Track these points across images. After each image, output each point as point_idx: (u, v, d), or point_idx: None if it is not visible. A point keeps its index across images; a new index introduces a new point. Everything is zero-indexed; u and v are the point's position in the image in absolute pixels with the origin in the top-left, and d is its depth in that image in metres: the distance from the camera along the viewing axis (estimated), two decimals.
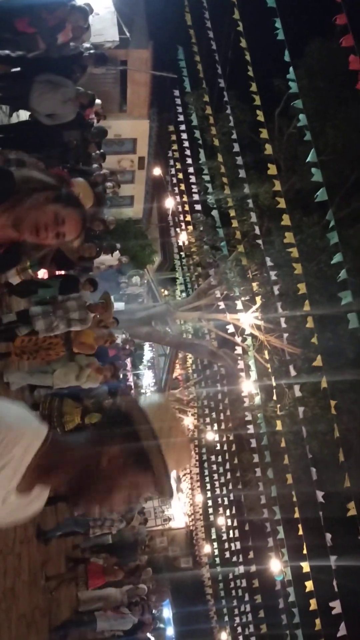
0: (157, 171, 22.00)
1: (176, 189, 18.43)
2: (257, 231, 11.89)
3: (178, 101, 15.65)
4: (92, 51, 6.35)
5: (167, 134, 18.06)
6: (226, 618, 20.34)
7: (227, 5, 10.59)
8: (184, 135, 15.74)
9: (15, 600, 5.89)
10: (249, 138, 14.20)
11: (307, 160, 8.29)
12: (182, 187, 17.22)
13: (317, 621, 10.66)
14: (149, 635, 11.31)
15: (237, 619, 18.44)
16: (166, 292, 25.32)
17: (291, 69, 8.61)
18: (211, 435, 18.58)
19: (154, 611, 11.44)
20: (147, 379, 27.52)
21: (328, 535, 9.93)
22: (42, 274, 6.99)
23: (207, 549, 22.19)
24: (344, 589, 10.34)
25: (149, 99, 19.23)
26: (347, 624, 9.82)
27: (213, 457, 18.78)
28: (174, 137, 16.91)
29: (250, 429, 13.07)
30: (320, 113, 13.89)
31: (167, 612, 24.12)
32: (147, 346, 24.57)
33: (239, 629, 18.52)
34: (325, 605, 10.15)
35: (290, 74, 8.54)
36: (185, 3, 12.46)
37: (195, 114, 14.83)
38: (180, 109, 15.66)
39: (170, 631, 24.22)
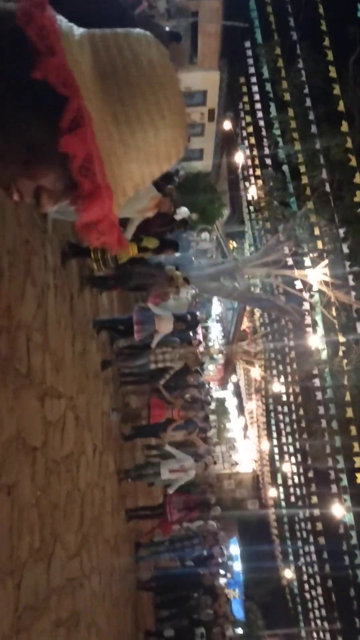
0: (227, 124, 21.80)
1: (246, 142, 18.33)
2: (327, 188, 11.90)
3: (249, 52, 15.42)
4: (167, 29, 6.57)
5: (238, 85, 17.83)
6: (291, 557, 21.42)
7: None
8: (255, 88, 15.58)
9: (101, 527, 6.80)
10: (322, 89, 13.89)
11: None
12: (252, 140, 17.13)
13: None
14: (217, 568, 12.35)
15: (302, 559, 19.41)
16: (235, 244, 25.41)
17: None
18: (277, 387, 19.11)
19: (222, 547, 12.33)
20: (215, 331, 28.11)
21: None
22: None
23: (272, 492, 23.10)
24: None
25: (219, 50, 18.98)
26: None
27: (279, 407, 19.38)
28: (244, 89, 16.74)
29: (316, 382, 13.47)
30: None
31: (235, 549, 25.58)
32: (215, 300, 25.01)
33: (303, 568, 19.54)
34: None
35: None
36: None
37: (266, 66, 14.61)
38: (251, 61, 15.44)
39: (237, 566, 25.70)
